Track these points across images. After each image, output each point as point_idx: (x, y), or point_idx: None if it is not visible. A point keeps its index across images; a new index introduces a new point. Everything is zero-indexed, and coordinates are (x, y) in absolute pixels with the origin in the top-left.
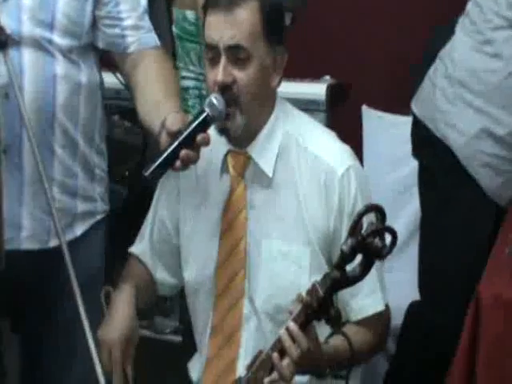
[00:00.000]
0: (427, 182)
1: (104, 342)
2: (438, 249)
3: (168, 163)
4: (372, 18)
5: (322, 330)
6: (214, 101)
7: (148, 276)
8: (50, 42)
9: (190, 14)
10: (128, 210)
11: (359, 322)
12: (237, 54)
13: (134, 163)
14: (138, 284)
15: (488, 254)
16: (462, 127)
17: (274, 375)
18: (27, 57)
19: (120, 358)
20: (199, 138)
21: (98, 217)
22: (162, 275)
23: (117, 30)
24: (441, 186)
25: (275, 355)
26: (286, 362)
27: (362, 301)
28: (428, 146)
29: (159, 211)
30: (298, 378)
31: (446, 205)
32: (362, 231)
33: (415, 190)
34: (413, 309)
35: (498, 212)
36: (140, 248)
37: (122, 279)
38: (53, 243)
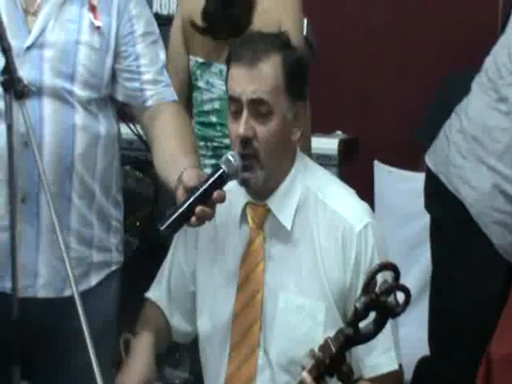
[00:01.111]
0: (439, 234)
1: None
2: (449, 302)
3: (183, 218)
4: (385, 73)
5: None
6: (231, 158)
7: (164, 321)
8: (70, 93)
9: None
10: (139, 260)
11: (372, 380)
12: (259, 108)
13: (144, 214)
14: (156, 330)
15: (500, 308)
16: (474, 183)
17: None
18: (47, 107)
19: None
20: (215, 194)
21: (113, 267)
22: (177, 321)
23: (136, 84)
24: (452, 238)
25: None
26: None
27: (376, 359)
28: (441, 200)
29: (177, 257)
30: None
31: (457, 257)
32: (376, 289)
33: (425, 247)
34: (423, 363)
35: (510, 269)
36: (157, 293)
37: (140, 325)
38: (68, 292)
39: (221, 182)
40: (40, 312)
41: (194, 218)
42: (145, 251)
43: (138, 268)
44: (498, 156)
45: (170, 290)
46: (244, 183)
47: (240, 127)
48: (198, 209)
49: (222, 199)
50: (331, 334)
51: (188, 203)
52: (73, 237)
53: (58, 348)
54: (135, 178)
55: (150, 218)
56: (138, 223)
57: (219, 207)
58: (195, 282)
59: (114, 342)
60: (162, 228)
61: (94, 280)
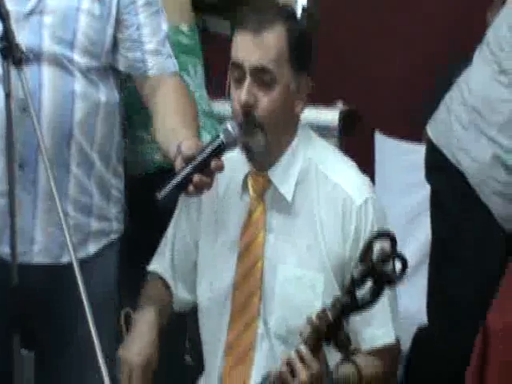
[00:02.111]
0: (439, 206)
1: (125, 364)
2: (449, 274)
3: (181, 187)
4: (386, 44)
5: (334, 357)
6: (230, 128)
7: (167, 296)
8: (70, 60)
9: (184, 27)
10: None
11: (369, 353)
12: (262, 77)
13: None
14: (159, 305)
15: (499, 280)
16: (475, 154)
17: None
18: (46, 73)
19: (140, 381)
20: (213, 164)
21: (113, 236)
22: (180, 291)
23: (137, 54)
24: (452, 211)
25: (286, 374)
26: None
27: (373, 331)
28: (441, 171)
29: (180, 227)
30: None
31: (456, 229)
32: (373, 257)
33: (425, 218)
34: (421, 334)
35: (508, 240)
36: (160, 265)
37: (143, 300)
38: (65, 259)
39: (219, 151)
40: (37, 279)
41: (191, 187)
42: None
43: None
44: (499, 127)
45: (174, 260)
46: (245, 148)
47: (242, 94)
48: (196, 177)
49: (220, 168)
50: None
51: (185, 172)
52: (70, 204)
53: (57, 317)
54: None
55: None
56: None
57: (221, 178)
58: (197, 251)
59: (113, 313)
60: (160, 196)
61: (92, 248)
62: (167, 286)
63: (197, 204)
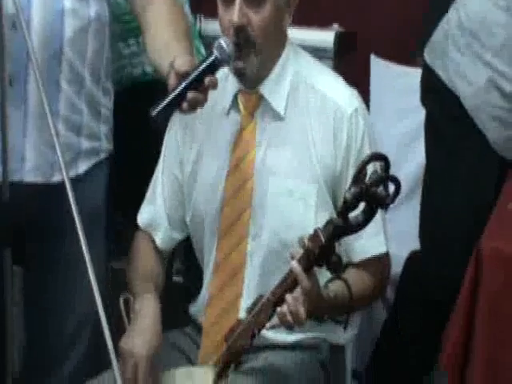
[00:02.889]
0: (434, 131)
1: (130, 356)
2: (442, 198)
3: (175, 104)
4: None
5: (324, 278)
6: (223, 44)
7: (159, 260)
8: None
9: None
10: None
11: (360, 265)
12: None
13: None
14: (156, 282)
15: (492, 206)
16: (470, 77)
17: (275, 320)
18: None
19: (146, 374)
20: (207, 80)
21: (102, 156)
22: (171, 234)
23: None
24: (447, 135)
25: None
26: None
27: (365, 242)
28: (437, 95)
29: (168, 162)
30: (284, 336)
31: (451, 155)
32: (366, 179)
33: (420, 143)
34: (412, 258)
35: (502, 166)
36: (153, 211)
37: (137, 280)
38: (56, 178)
39: (213, 67)
40: (28, 197)
41: (185, 104)
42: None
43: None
44: (495, 52)
45: (167, 204)
46: (238, 73)
47: (234, 15)
48: (190, 94)
49: (214, 85)
50: (322, 217)
51: (179, 89)
52: (61, 123)
53: (46, 234)
54: None
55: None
56: None
57: (209, 96)
58: (183, 174)
59: (103, 233)
60: (154, 113)
61: (82, 167)
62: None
63: (181, 128)
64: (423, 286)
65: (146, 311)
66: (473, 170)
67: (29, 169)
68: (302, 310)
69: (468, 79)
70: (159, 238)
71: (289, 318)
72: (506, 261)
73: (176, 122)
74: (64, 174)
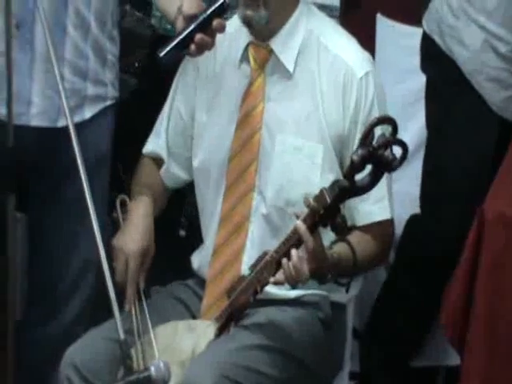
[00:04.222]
0: (433, 95)
1: (121, 252)
2: (442, 161)
3: (183, 46)
4: None
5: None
6: None
7: (161, 182)
8: None
9: None
10: (137, 99)
11: (364, 229)
12: None
13: (142, 54)
14: (154, 193)
15: (492, 167)
16: (466, 41)
17: (279, 276)
18: None
19: (137, 269)
20: (215, 23)
21: (108, 102)
22: (173, 168)
23: None
24: (445, 98)
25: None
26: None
27: (370, 206)
28: (435, 61)
29: (176, 104)
30: (285, 292)
31: (450, 117)
32: (373, 142)
33: (422, 105)
34: (413, 221)
35: (503, 127)
36: (156, 144)
37: (137, 188)
38: (62, 123)
39: (221, 10)
40: (33, 141)
41: (193, 46)
42: (143, 92)
43: (135, 109)
44: (488, 14)
45: (169, 137)
46: (246, 21)
47: None
48: (198, 36)
49: (222, 28)
50: (328, 177)
51: (188, 31)
52: (67, 67)
53: (52, 179)
54: (135, 18)
55: (148, 58)
56: (136, 64)
57: (220, 47)
58: (194, 123)
59: (106, 178)
60: (161, 54)
61: (88, 113)
62: (161, 165)
63: (194, 75)
64: (423, 246)
65: (139, 211)
66: (470, 127)
67: (35, 113)
68: (305, 268)
69: (464, 43)
70: (161, 169)
71: (292, 272)
72: (508, 224)
73: (189, 65)
74: (68, 116)
